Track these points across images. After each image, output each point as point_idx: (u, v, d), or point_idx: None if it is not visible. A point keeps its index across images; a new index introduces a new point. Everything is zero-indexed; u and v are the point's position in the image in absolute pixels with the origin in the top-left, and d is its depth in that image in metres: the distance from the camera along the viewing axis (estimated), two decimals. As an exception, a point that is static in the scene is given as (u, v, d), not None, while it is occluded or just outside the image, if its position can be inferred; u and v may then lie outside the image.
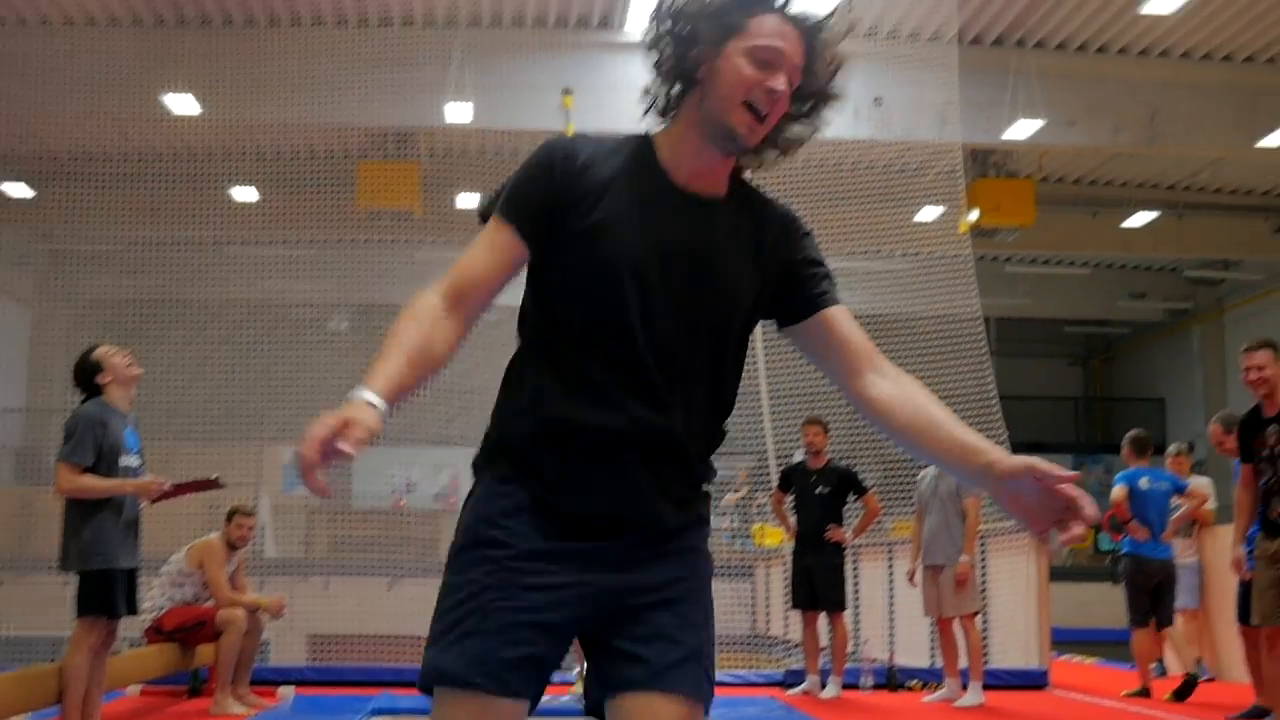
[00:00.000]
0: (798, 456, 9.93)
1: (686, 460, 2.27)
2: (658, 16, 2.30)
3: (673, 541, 2.28)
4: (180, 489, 6.38)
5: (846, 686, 9.51)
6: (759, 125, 2.23)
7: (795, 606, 9.60)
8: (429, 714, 2.17)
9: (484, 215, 2.32)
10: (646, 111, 2.32)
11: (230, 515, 8.54)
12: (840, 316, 2.33)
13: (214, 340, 14.71)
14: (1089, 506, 1.98)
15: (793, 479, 9.56)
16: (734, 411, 2.38)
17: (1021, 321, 24.36)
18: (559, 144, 2.30)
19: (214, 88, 13.68)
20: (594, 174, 2.25)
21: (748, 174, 2.39)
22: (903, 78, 13.54)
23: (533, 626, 2.15)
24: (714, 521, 2.70)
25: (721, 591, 11.03)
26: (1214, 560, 10.21)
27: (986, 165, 16.16)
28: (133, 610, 6.32)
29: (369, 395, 2.02)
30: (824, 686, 9.42)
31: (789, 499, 9.67)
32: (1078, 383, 27.96)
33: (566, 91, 13.53)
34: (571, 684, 8.39)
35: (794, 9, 2.27)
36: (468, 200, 14.85)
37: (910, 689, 9.90)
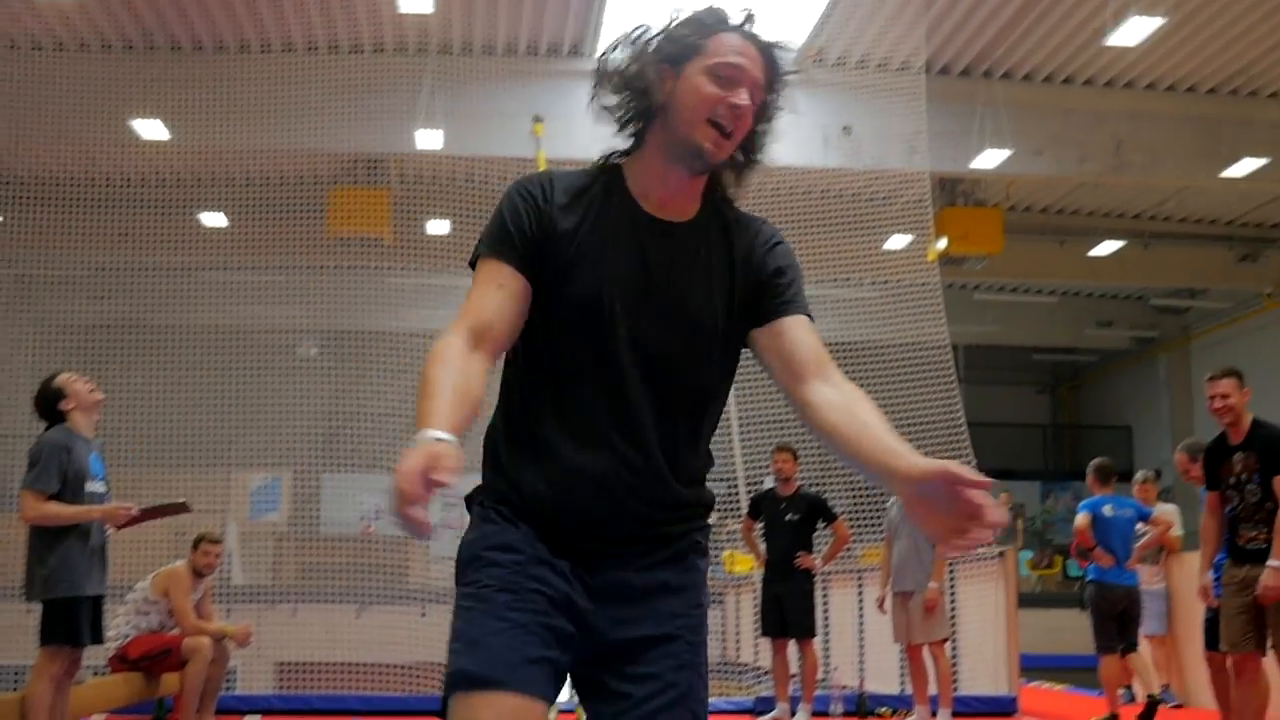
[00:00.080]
0: (767, 483, 9.94)
1: (674, 489, 2.28)
2: (614, 47, 2.31)
3: (670, 572, 2.29)
4: (147, 514, 6.35)
5: (816, 714, 9.50)
6: (725, 141, 2.25)
7: (765, 633, 9.58)
8: None
9: (474, 264, 2.32)
10: (618, 132, 2.33)
11: (196, 542, 8.45)
12: (795, 325, 2.31)
13: (182, 366, 14.59)
14: (993, 514, 1.93)
15: (762, 506, 9.56)
16: (705, 438, 2.39)
17: (989, 349, 24.48)
18: (536, 180, 2.32)
19: (183, 113, 13.63)
20: (568, 211, 2.27)
21: (731, 192, 2.39)
22: (871, 107, 13.64)
23: (546, 629, 2.15)
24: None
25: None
26: (1181, 587, 10.26)
27: (955, 194, 16.24)
28: (98, 639, 6.27)
29: (435, 433, 1.99)
30: (794, 714, 9.41)
31: (758, 526, 9.66)
32: (1045, 410, 28.11)
33: (537, 119, 13.55)
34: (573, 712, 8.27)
35: (752, 28, 2.28)
36: (438, 226, 14.83)
37: (880, 715, 9.90)
